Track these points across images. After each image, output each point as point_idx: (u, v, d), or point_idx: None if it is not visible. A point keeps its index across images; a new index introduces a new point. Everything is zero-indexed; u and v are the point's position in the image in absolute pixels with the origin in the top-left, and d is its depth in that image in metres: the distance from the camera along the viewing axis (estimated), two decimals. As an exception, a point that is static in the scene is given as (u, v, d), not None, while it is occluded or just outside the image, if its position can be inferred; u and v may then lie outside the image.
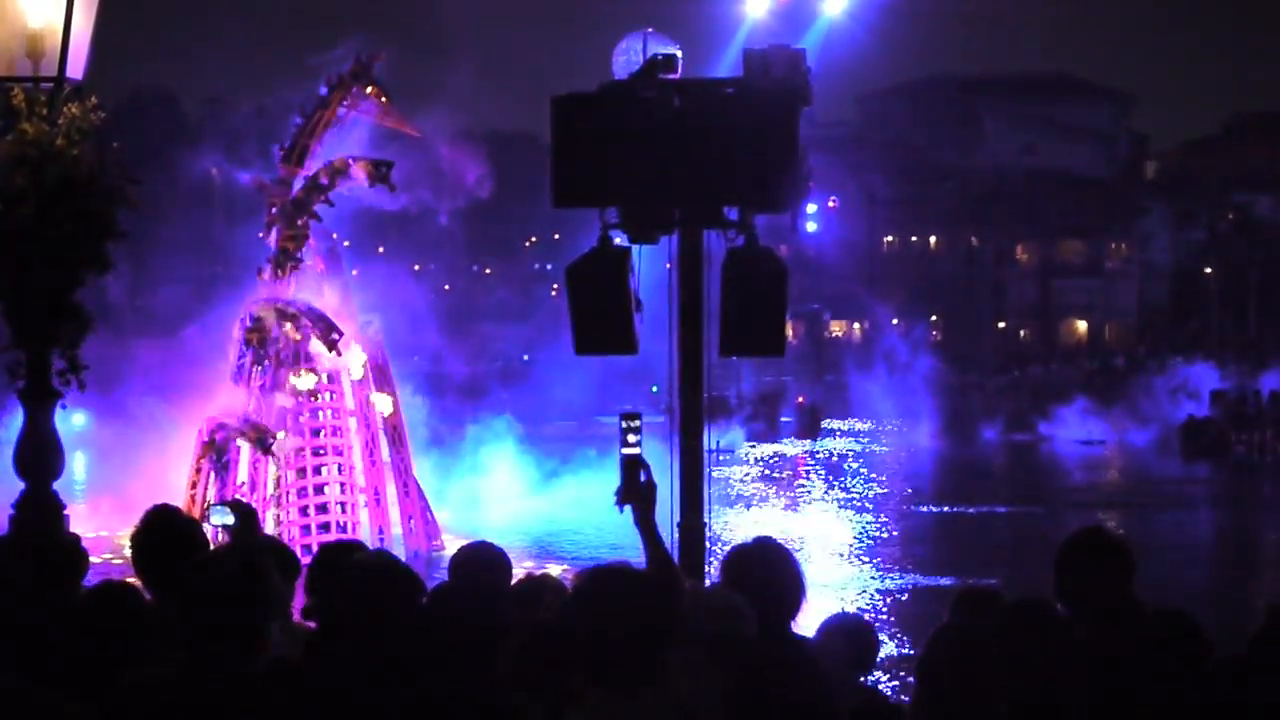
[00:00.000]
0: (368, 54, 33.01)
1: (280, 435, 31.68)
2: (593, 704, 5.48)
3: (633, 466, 6.39)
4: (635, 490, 6.38)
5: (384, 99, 32.92)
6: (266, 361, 32.30)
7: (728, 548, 7.30)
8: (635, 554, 6.84)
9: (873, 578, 31.37)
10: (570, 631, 5.75)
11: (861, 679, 8.27)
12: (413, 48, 33.14)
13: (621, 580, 5.61)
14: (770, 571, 6.96)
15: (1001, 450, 63.68)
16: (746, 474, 51.25)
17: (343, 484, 32.50)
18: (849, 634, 8.16)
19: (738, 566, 7.03)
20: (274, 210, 33.11)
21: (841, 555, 34.05)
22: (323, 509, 32.22)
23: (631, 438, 6.44)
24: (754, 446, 60.87)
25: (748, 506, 42.21)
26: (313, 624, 7.01)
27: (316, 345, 31.80)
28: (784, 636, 6.91)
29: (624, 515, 6.87)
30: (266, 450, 31.63)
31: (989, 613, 7.55)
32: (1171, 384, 72.27)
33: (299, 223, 32.73)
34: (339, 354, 31.44)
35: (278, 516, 31.73)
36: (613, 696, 5.44)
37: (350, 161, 32.16)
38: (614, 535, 35.67)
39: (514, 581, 7.82)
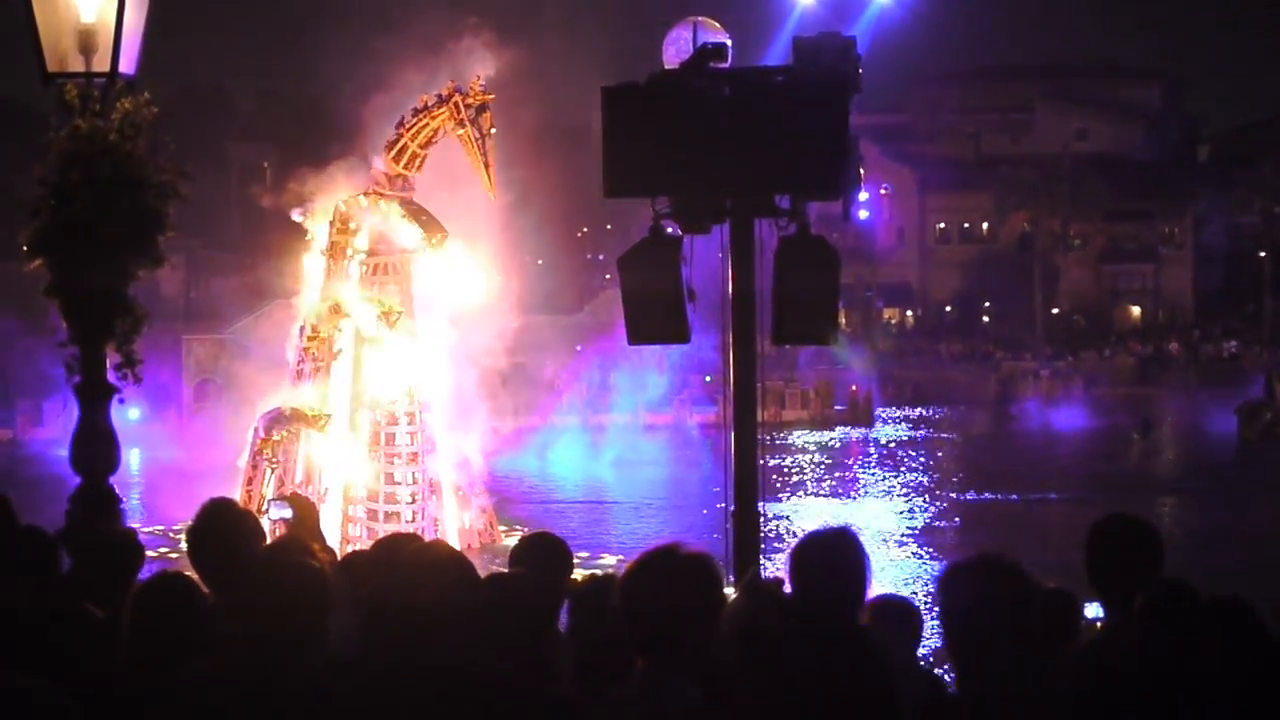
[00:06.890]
0: (487, 83, 32.57)
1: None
2: (634, 682, 5.50)
3: None
4: None
5: (492, 132, 32.41)
6: (323, 366, 32.53)
7: (798, 536, 7.25)
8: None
9: (924, 563, 31.35)
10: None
11: (923, 666, 8.19)
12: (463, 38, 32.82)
13: (665, 560, 5.62)
14: (838, 561, 6.91)
15: (1055, 435, 63.45)
16: (801, 461, 51.23)
17: (414, 475, 32.58)
18: (896, 616, 8.07)
19: (805, 555, 6.99)
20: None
21: (893, 542, 34.01)
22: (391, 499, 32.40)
23: None
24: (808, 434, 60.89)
25: (802, 494, 42.22)
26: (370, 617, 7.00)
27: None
28: (848, 627, 6.86)
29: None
30: (321, 429, 31.81)
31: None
32: (1226, 367, 71.95)
33: (351, 226, 32.81)
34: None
35: (346, 510, 31.88)
36: (647, 675, 5.46)
37: (407, 216, 32.24)
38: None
39: (581, 579, 7.78)
